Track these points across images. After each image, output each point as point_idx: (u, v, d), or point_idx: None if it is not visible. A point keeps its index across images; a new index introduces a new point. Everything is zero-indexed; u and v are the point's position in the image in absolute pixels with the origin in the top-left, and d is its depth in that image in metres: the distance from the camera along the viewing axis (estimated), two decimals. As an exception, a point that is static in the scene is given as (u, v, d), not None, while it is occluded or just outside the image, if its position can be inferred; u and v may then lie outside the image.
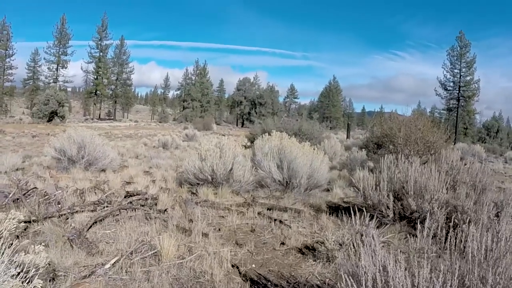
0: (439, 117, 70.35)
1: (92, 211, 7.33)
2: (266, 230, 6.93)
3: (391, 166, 7.79)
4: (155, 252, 5.41)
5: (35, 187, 8.69)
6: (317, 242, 6.06)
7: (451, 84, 71.46)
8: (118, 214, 7.22)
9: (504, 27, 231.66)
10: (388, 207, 7.25)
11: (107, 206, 7.59)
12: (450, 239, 3.64)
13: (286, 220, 7.47)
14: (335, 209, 8.62)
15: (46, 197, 7.99)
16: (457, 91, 70.64)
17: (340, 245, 5.51)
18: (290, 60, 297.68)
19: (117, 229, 6.49)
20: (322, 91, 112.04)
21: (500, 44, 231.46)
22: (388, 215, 7.25)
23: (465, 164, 8.54)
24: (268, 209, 8.29)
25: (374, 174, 8.02)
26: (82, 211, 7.19)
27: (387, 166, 7.81)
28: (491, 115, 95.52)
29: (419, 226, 6.11)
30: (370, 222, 5.49)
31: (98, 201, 7.94)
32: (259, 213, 7.82)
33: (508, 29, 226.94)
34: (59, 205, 7.46)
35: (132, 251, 5.43)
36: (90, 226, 6.42)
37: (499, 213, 6.69)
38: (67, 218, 6.83)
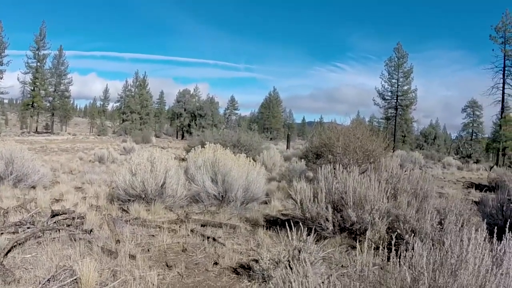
0: (378, 126, 71.43)
1: (13, 233, 6.74)
2: (198, 249, 6.51)
3: (328, 176, 7.53)
4: (75, 279, 4.90)
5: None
6: (252, 260, 5.70)
7: (389, 93, 72.88)
8: (40, 236, 6.65)
9: (442, 40, 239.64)
10: (327, 220, 6.98)
11: (29, 227, 7.02)
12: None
13: (220, 237, 7.07)
14: (273, 223, 8.32)
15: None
16: (395, 100, 72.09)
17: (277, 263, 5.14)
18: (233, 72, 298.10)
19: (38, 252, 5.93)
20: (262, 102, 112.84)
21: (438, 56, 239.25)
22: (327, 228, 6.99)
23: (405, 172, 8.40)
24: (202, 225, 7.88)
25: (312, 185, 7.76)
26: (2, 233, 6.59)
27: (325, 176, 7.54)
28: (428, 122, 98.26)
29: (360, 238, 5.85)
30: (308, 237, 5.20)
31: (20, 221, 7.34)
32: (192, 231, 7.37)
33: (445, 42, 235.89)
34: (-25, 228, 6.87)
35: (49, 278, 4.91)
36: (9, 251, 5.84)
37: (442, 221, 6.51)
38: (-16, 242, 6.24)
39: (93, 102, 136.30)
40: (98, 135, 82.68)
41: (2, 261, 5.36)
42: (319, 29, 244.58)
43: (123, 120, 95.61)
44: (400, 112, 72.44)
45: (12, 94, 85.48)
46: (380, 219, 6.73)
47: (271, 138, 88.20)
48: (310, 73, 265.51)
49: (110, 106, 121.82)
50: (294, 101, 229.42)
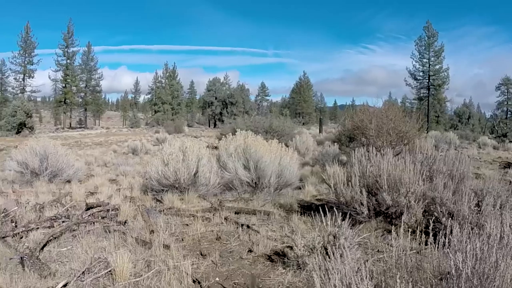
0: (410, 107, 70.65)
1: (49, 227, 6.79)
2: (232, 236, 6.46)
3: (362, 159, 7.38)
4: (110, 270, 4.89)
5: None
6: (287, 247, 5.62)
7: (421, 73, 71.93)
8: (75, 229, 6.68)
9: (472, 17, 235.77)
10: (362, 204, 6.85)
11: (64, 221, 7.05)
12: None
13: (254, 224, 7.02)
14: (307, 208, 8.22)
15: (4, 214, 7.43)
16: (427, 80, 71.11)
17: (311, 249, 5.05)
18: (262, 58, 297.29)
19: (73, 245, 5.97)
20: (293, 88, 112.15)
21: (468, 33, 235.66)
22: (362, 212, 6.86)
23: (441, 153, 8.21)
24: (235, 213, 7.85)
25: (345, 168, 7.62)
26: (38, 228, 6.65)
27: (358, 160, 7.40)
28: (461, 102, 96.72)
29: (396, 221, 5.70)
30: (343, 222, 5.09)
31: (55, 216, 7.39)
32: (225, 218, 7.35)
33: (476, 18, 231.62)
34: (13, 223, 6.93)
35: (84, 271, 4.91)
36: (45, 245, 5.89)
37: (479, 202, 6.32)
38: (22, 237, 6.30)
39: (125, 95, 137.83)
40: (131, 128, 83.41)
41: (38, 255, 5.39)
42: (346, 10, 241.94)
43: (155, 112, 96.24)
44: (433, 92, 71.41)
45: (44, 92, 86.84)
46: (416, 202, 6.58)
47: (303, 123, 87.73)
48: (339, 56, 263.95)
49: (142, 98, 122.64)
50: (325, 85, 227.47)
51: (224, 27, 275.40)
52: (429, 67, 70.68)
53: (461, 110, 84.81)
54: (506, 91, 79.03)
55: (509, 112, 78.24)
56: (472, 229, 3.48)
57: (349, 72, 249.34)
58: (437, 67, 70.57)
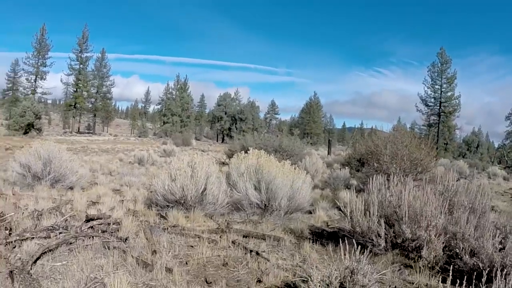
0: (419, 133, 70.22)
1: (45, 237, 6.40)
2: (240, 263, 6.05)
3: (382, 188, 6.98)
4: (106, 294, 4.51)
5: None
6: (300, 279, 5.20)
7: (432, 100, 71.81)
8: (73, 243, 6.29)
9: (485, 45, 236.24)
10: (379, 235, 6.45)
11: (61, 233, 6.67)
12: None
13: (264, 251, 6.58)
14: (319, 235, 7.83)
15: (0, 219, 7.06)
16: (438, 107, 70.87)
17: (327, 285, 4.64)
18: (273, 76, 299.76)
19: (68, 261, 5.56)
20: (303, 107, 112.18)
21: (480, 61, 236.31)
22: (379, 244, 6.45)
23: (462, 184, 7.80)
24: (244, 236, 7.42)
25: (361, 196, 7.21)
26: (33, 237, 6.26)
27: (377, 188, 7.00)
28: (471, 130, 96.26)
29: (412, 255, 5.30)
30: (362, 255, 4.69)
31: (53, 226, 7.00)
32: (233, 242, 6.93)
33: (488, 47, 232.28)
34: (7, 230, 6.54)
35: (78, 292, 4.53)
36: (38, 258, 5.49)
37: (503, 240, 5.88)
38: (15, 247, 5.90)
39: (135, 104, 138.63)
40: (139, 137, 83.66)
41: (30, 270, 5.00)
42: (359, 34, 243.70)
43: (164, 122, 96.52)
44: (443, 119, 71.19)
45: (55, 95, 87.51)
46: (437, 236, 6.17)
47: (311, 144, 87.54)
48: (350, 78, 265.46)
49: (151, 108, 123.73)
50: (334, 106, 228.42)
51: (238, 43, 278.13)
52: (440, 93, 70.60)
53: (470, 139, 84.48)
54: (516, 121, 78.48)
55: (518, 143, 77.65)
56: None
57: (360, 94, 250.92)
58: (448, 94, 70.48)
